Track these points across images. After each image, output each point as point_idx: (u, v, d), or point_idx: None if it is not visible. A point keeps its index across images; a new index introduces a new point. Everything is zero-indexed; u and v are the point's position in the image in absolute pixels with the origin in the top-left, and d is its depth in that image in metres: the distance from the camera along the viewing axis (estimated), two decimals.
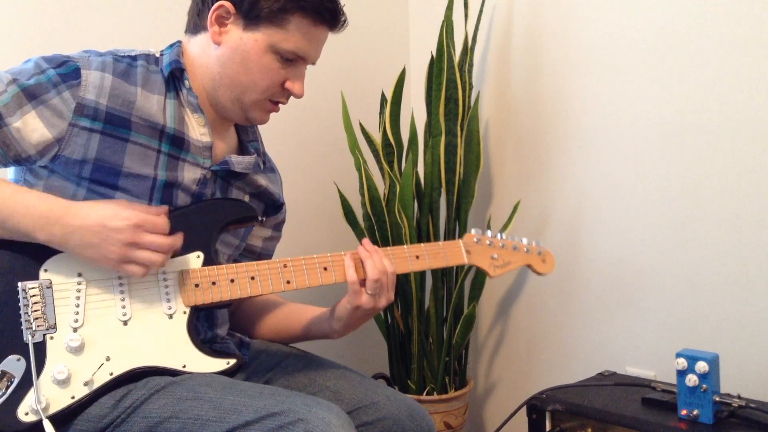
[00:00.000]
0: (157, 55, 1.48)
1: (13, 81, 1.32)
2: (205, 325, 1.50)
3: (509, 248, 1.66)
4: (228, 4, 1.40)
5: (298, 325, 1.62)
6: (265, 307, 1.67)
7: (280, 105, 1.51)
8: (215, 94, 1.47)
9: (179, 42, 1.50)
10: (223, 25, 1.43)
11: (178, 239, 1.35)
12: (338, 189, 2.28)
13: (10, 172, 1.43)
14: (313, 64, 1.50)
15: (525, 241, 1.68)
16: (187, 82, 1.45)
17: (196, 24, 1.47)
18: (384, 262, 1.46)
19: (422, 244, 1.56)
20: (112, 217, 1.27)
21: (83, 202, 1.32)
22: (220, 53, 1.44)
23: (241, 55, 1.42)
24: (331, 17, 1.44)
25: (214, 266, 1.40)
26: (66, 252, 1.30)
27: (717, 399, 1.65)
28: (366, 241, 1.51)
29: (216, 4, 1.41)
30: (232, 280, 1.41)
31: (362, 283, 1.45)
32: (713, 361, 1.65)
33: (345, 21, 1.48)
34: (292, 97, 1.50)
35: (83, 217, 1.27)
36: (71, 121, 1.33)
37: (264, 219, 1.63)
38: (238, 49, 1.42)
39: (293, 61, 1.44)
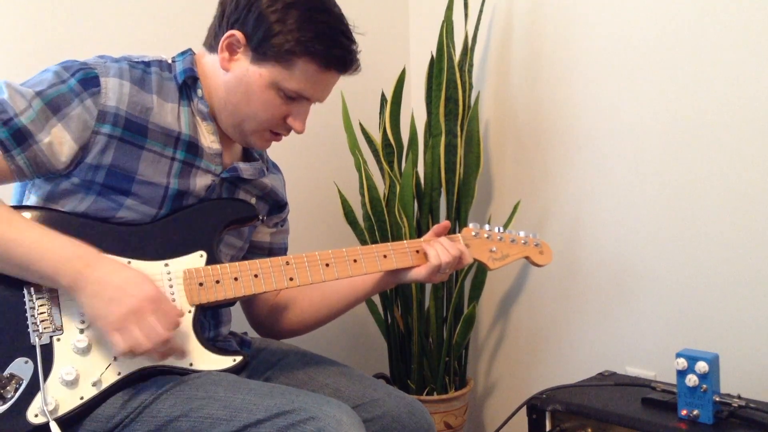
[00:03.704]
0: (170, 61, 1.49)
1: (36, 95, 1.31)
2: (211, 323, 1.51)
3: (507, 241, 1.69)
4: (239, 35, 1.40)
5: (338, 294, 1.65)
6: (292, 295, 1.68)
7: (283, 136, 1.52)
8: (219, 116, 1.48)
9: (191, 50, 1.51)
10: (233, 53, 1.43)
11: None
12: (338, 189, 2.28)
13: None
14: (321, 102, 1.50)
15: (522, 233, 1.71)
16: (199, 91, 1.46)
17: (211, 44, 1.48)
18: (449, 248, 1.57)
19: (421, 239, 1.59)
20: (136, 283, 1.25)
21: (114, 259, 1.30)
22: (227, 80, 1.44)
23: (245, 86, 1.42)
24: (340, 64, 1.44)
25: (218, 265, 1.41)
26: (78, 303, 1.27)
27: (717, 399, 1.65)
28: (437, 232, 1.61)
29: (228, 33, 1.41)
30: (236, 278, 1.41)
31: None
32: (713, 361, 1.66)
33: (357, 67, 1.48)
34: None
35: (109, 273, 1.25)
36: (94, 128, 1.34)
37: (264, 218, 1.64)
38: (243, 79, 1.42)
39: (296, 99, 1.45)
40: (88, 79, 1.34)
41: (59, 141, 1.31)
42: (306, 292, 1.66)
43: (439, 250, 1.56)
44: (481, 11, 2.31)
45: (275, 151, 1.72)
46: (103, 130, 1.35)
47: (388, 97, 2.26)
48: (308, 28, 1.38)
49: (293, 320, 1.67)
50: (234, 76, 1.43)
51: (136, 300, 1.23)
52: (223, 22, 1.44)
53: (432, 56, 2.26)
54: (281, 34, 1.38)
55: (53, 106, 1.31)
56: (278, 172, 1.69)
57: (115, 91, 1.35)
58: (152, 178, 1.39)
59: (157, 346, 1.24)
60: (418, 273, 1.56)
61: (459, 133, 2.23)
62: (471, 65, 2.29)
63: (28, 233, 1.24)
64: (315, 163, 2.42)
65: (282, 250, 1.71)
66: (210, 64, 1.47)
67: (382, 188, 2.29)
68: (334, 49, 1.41)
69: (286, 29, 1.38)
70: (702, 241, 1.99)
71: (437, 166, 2.23)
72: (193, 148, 1.44)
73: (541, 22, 2.30)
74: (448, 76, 2.20)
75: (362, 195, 2.23)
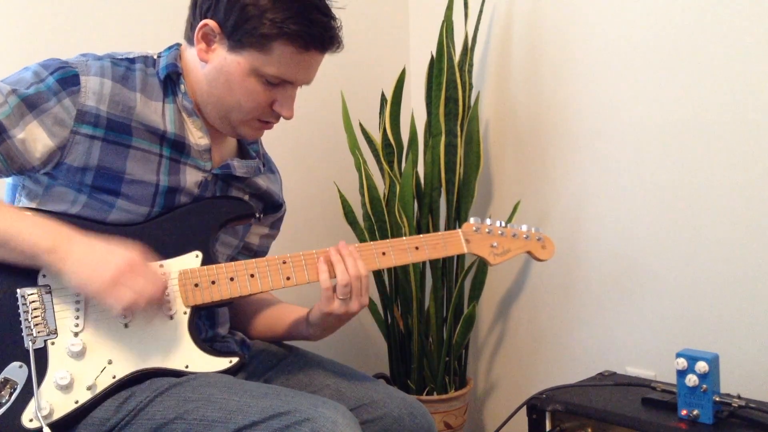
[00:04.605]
0: (155, 57, 1.46)
1: (13, 92, 1.30)
2: (207, 324, 1.51)
3: (508, 236, 1.65)
4: (213, 24, 1.37)
5: (282, 325, 1.60)
6: (259, 306, 1.66)
7: (273, 123, 1.48)
8: (204, 110, 1.45)
9: (178, 45, 1.48)
10: (210, 43, 1.39)
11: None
12: (338, 189, 2.28)
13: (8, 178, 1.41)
14: (307, 84, 1.45)
15: (524, 227, 1.68)
16: (182, 87, 1.43)
17: (189, 37, 1.44)
18: (358, 265, 1.43)
19: (421, 235, 1.56)
20: (118, 245, 1.27)
21: (90, 236, 1.29)
22: (207, 71, 1.41)
23: (225, 76, 1.39)
24: (319, 43, 1.38)
25: (213, 265, 1.40)
26: (61, 274, 1.27)
27: (717, 399, 1.65)
28: (342, 243, 1.48)
29: (201, 23, 1.38)
30: (232, 279, 1.40)
31: (335, 288, 1.43)
32: (713, 361, 1.65)
33: (338, 45, 1.42)
34: None
35: (89, 244, 1.26)
36: (72, 128, 1.32)
37: (261, 216, 1.63)
38: (222, 70, 1.39)
39: (279, 84, 1.40)
40: (67, 78, 1.33)
41: (33, 138, 1.30)
42: (266, 312, 1.64)
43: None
44: (481, 11, 2.30)
45: (275, 151, 1.72)
46: (83, 131, 1.33)
47: (388, 97, 2.26)
48: (281, 8, 1.33)
49: (252, 330, 1.66)
50: (213, 67, 1.40)
51: (122, 259, 1.25)
52: (196, 12, 1.40)
53: (432, 56, 2.26)
54: (254, 17, 1.33)
55: (29, 103, 1.30)
56: (275, 173, 1.67)
57: (95, 91, 1.34)
58: (141, 177, 1.38)
59: (152, 300, 1.28)
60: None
61: (459, 133, 2.23)
62: (471, 65, 2.28)
63: (3, 213, 1.26)
64: (315, 163, 2.42)
65: (265, 255, 1.68)
66: (191, 58, 1.44)
67: (382, 188, 2.28)
68: (310, 28, 1.35)
69: (259, 12, 1.33)
70: (702, 241, 1.98)
71: (437, 166, 2.23)
72: (179, 146, 1.42)
73: (541, 22, 2.29)
74: (448, 76, 2.20)
75: (362, 195, 2.23)
